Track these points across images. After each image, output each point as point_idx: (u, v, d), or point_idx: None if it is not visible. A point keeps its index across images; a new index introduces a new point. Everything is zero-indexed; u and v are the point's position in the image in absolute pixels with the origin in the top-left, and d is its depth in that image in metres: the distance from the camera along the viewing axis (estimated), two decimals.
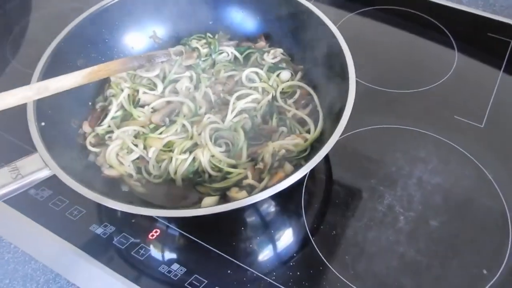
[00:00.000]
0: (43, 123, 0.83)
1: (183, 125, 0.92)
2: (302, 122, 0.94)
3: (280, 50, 1.04)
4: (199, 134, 0.89)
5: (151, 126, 0.92)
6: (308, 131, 0.92)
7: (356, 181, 0.94)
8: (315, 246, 0.85)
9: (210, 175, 0.86)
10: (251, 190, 0.84)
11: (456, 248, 0.84)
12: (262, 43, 1.07)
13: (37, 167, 0.75)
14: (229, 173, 0.86)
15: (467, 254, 0.84)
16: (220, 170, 0.86)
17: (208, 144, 0.86)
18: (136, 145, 0.90)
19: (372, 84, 1.09)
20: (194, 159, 0.87)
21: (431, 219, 0.88)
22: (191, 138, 0.90)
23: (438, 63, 1.14)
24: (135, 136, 0.92)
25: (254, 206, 0.90)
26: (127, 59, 0.81)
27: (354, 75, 0.86)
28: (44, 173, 0.75)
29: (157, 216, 0.88)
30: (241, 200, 0.71)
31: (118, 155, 0.90)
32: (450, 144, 0.98)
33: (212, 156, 0.87)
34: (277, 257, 0.85)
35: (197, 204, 0.84)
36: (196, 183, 0.86)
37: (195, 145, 0.89)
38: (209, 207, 0.81)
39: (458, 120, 1.02)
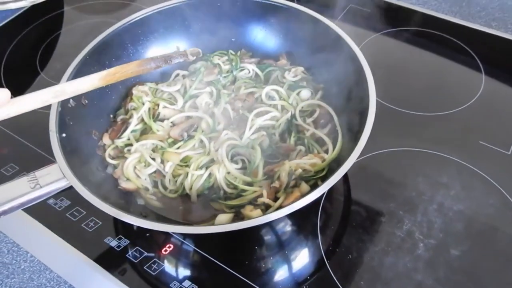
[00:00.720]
0: (64, 134, 0.84)
1: (201, 141, 0.92)
2: (320, 142, 0.92)
3: (301, 69, 1.04)
4: (216, 150, 0.89)
5: (169, 140, 0.93)
6: (326, 151, 0.90)
7: (375, 204, 0.92)
8: (330, 270, 0.83)
9: (225, 192, 0.86)
10: (266, 208, 0.83)
11: (478, 280, 0.81)
12: (283, 61, 1.07)
13: (55, 178, 0.76)
14: (244, 190, 0.85)
15: (489, 286, 0.80)
16: (235, 187, 0.85)
17: (224, 161, 0.86)
18: (153, 159, 0.90)
19: (395, 105, 1.08)
20: (210, 175, 0.87)
21: (452, 247, 0.85)
22: (208, 154, 0.90)
23: (464, 86, 1.12)
24: (153, 150, 0.93)
25: (269, 225, 0.89)
26: (144, 60, 0.81)
27: (375, 95, 0.84)
28: (62, 184, 0.76)
29: (172, 232, 0.88)
30: (255, 219, 0.70)
31: (136, 168, 0.91)
32: (474, 170, 0.95)
33: (228, 173, 0.86)
34: (290, 279, 0.83)
35: (211, 220, 0.83)
36: (211, 199, 0.86)
37: (212, 161, 0.89)
38: (223, 224, 0.81)
39: (484, 146, 0.99)
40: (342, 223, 0.90)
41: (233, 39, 1.11)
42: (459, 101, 1.08)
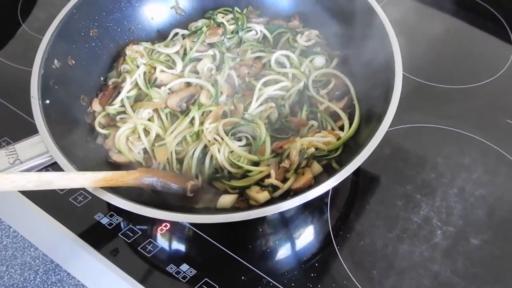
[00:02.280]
0: (47, 101, 0.75)
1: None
2: (334, 116, 0.83)
3: (315, 32, 0.93)
4: (210, 132, 0.80)
5: (166, 110, 0.83)
6: (341, 127, 0.82)
7: (390, 186, 0.85)
8: (340, 257, 0.77)
9: (229, 171, 0.77)
10: (273, 190, 0.75)
11: (498, 273, 0.75)
12: (295, 23, 0.95)
13: (38, 152, 0.68)
14: (250, 170, 0.77)
15: (510, 280, 0.74)
16: (240, 167, 0.77)
17: (225, 139, 0.77)
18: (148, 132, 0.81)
19: (415, 76, 0.98)
20: (211, 157, 0.78)
21: (472, 236, 0.79)
22: (197, 136, 0.81)
23: (492, 56, 1.02)
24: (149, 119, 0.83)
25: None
26: (144, 174, 0.70)
27: (401, 67, 0.75)
28: (45, 159, 0.68)
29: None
30: (263, 209, 0.62)
31: (129, 140, 0.82)
32: (499, 152, 0.87)
33: (231, 152, 0.77)
34: (296, 266, 0.77)
35: (213, 201, 0.75)
36: (213, 178, 0.78)
37: (205, 146, 0.80)
38: (226, 207, 0.74)
39: (511, 125, 0.91)
40: (354, 206, 0.83)
41: None
42: (485, 73, 0.98)
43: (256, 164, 0.77)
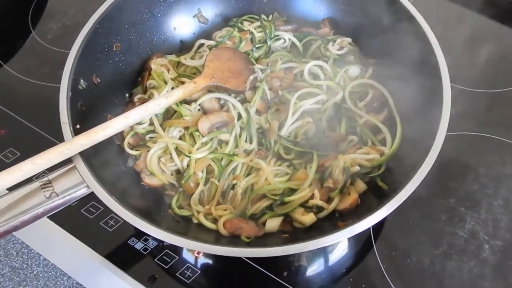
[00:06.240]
0: (78, 126, 0.71)
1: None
2: (374, 130, 0.80)
3: (347, 40, 0.89)
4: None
5: (192, 129, 0.79)
6: (382, 141, 0.78)
7: (433, 199, 0.82)
8: (387, 276, 0.74)
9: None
10: (318, 211, 0.72)
11: None
12: (326, 30, 0.91)
13: (73, 183, 0.64)
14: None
15: None
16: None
17: (268, 176, 0.74)
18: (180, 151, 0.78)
19: (453, 81, 0.94)
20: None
21: None
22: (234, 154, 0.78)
23: None
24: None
25: None
26: (209, 80, 0.77)
27: (448, 78, 0.71)
28: (82, 191, 0.64)
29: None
30: (314, 241, 0.58)
31: (160, 160, 0.78)
32: None
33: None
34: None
35: (258, 225, 0.72)
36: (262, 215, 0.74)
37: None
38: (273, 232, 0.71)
39: None
40: (397, 223, 0.80)
41: (264, 0, 0.95)
42: None
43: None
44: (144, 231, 0.61)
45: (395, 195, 0.61)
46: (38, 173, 0.63)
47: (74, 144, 0.64)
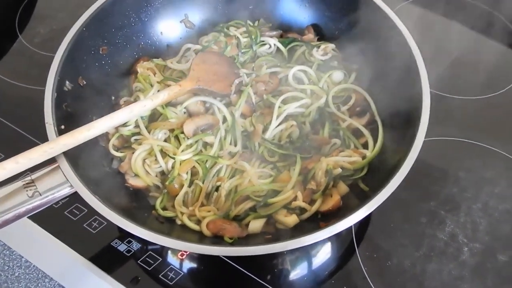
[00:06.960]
0: (62, 126, 0.71)
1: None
2: (356, 133, 0.81)
3: (331, 46, 0.91)
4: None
5: (177, 131, 0.79)
6: (364, 145, 0.80)
7: (413, 202, 0.83)
8: (368, 278, 0.75)
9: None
10: (300, 212, 0.73)
11: None
12: (310, 36, 0.93)
13: (57, 182, 0.64)
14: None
15: None
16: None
17: (252, 178, 0.75)
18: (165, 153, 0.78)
19: (432, 87, 0.96)
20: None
21: (499, 252, 0.78)
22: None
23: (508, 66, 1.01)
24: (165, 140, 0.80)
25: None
26: (194, 84, 0.79)
27: (427, 81, 0.73)
28: (65, 191, 0.64)
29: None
30: (295, 241, 0.59)
31: (145, 162, 0.78)
32: None
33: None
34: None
35: (241, 226, 0.72)
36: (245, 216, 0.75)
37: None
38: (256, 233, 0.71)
39: None
40: (378, 225, 0.81)
41: (250, 7, 0.97)
42: (503, 83, 0.97)
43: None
44: (128, 230, 0.61)
45: (375, 196, 0.62)
46: (21, 172, 0.63)
47: (58, 144, 0.65)
